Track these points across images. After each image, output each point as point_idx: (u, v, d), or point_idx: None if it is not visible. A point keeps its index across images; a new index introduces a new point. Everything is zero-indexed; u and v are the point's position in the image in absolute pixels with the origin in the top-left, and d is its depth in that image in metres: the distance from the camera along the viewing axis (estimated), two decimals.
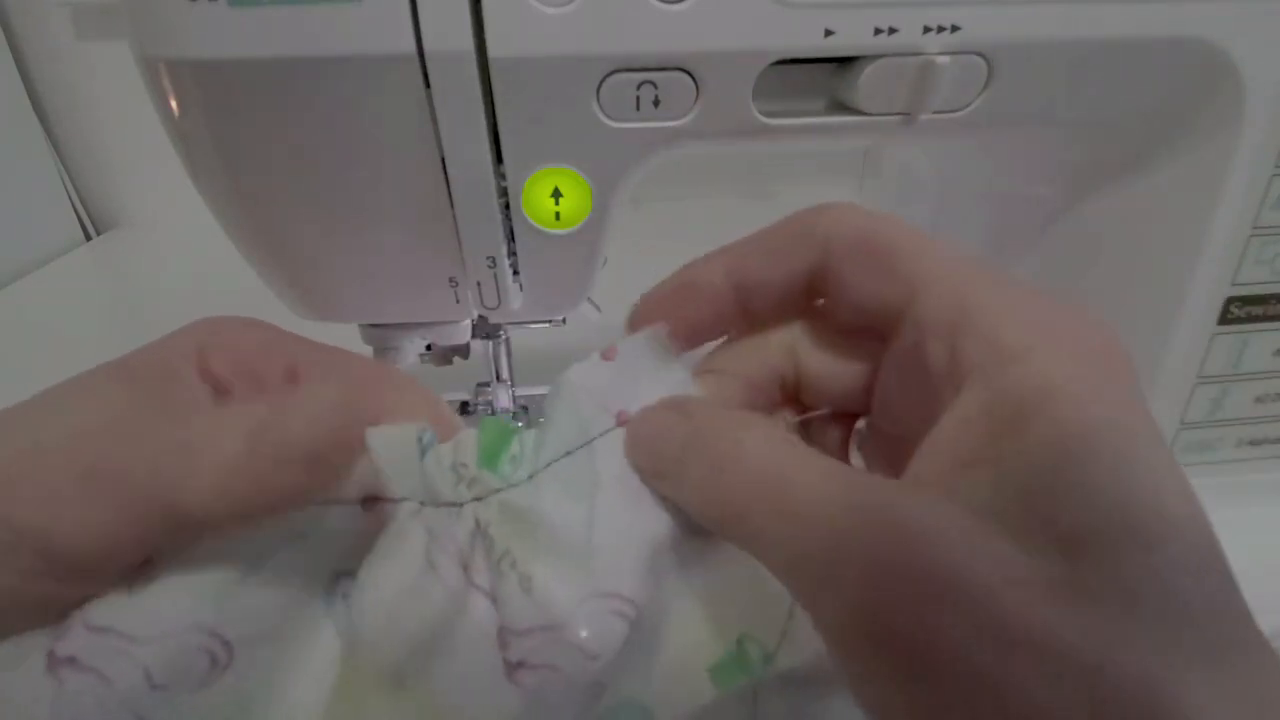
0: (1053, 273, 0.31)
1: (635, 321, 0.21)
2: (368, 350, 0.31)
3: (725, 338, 0.22)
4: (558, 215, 0.25)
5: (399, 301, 0.28)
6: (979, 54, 0.22)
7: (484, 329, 0.32)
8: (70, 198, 0.75)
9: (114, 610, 0.16)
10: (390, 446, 0.19)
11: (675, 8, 0.20)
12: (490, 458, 0.20)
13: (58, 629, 0.16)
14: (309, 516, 0.18)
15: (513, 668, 0.18)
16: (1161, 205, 0.27)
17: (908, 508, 0.14)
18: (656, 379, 0.21)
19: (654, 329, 0.21)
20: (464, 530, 0.19)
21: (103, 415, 0.17)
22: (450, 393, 0.41)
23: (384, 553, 0.18)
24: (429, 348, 0.33)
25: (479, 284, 0.26)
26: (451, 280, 0.26)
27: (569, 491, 0.19)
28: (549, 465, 0.20)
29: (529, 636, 0.18)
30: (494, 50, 0.21)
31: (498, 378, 0.36)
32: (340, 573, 0.19)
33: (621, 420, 0.20)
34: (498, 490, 0.19)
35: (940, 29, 0.22)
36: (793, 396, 0.22)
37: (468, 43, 0.20)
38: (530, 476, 0.20)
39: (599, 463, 0.20)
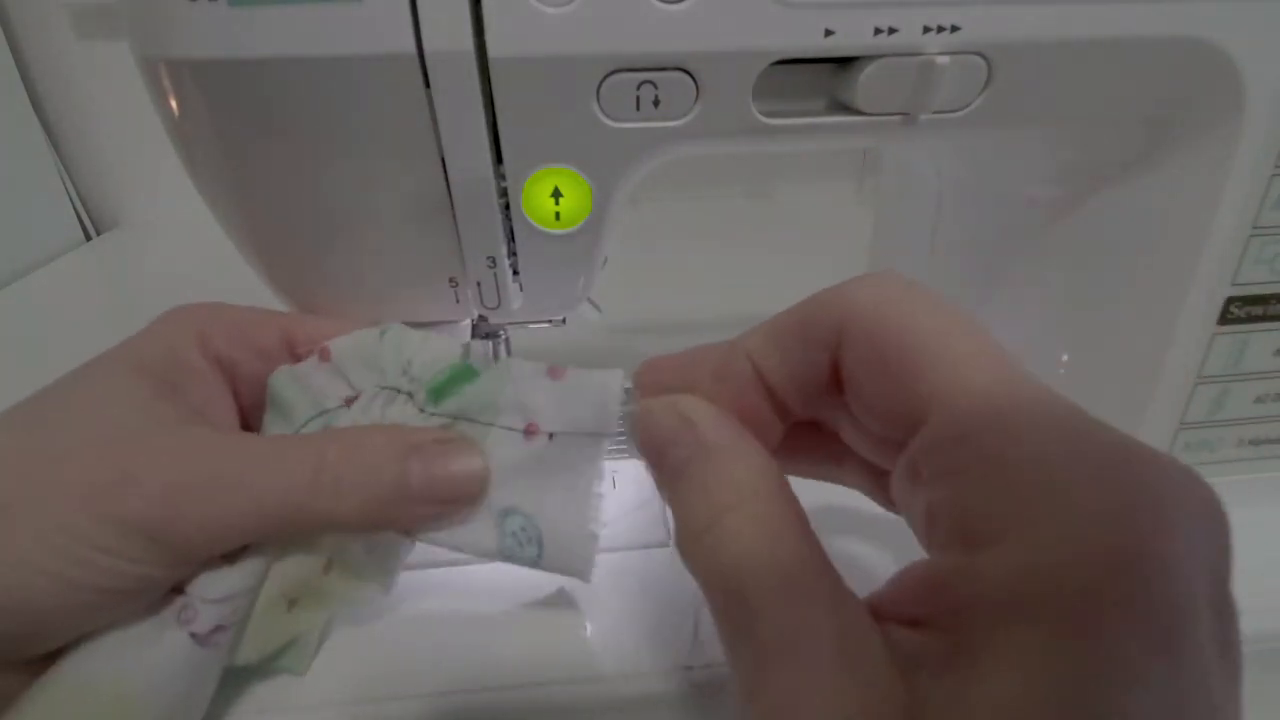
0: (1053, 273, 0.31)
1: (638, 379, 0.21)
2: None
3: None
4: (558, 215, 0.25)
5: (399, 301, 0.28)
6: (979, 54, 0.22)
7: (484, 329, 0.32)
8: (70, 198, 0.75)
9: (220, 583, 0.20)
10: (354, 347, 0.23)
11: (675, 8, 0.20)
12: (442, 389, 0.23)
13: (179, 615, 0.20)
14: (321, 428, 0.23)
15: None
16: (1161, 205, 0.27)
17: (826, 670, 0.13)
18: (587, 410, 0.23)
19: (611, 374, 0.23)
20: (381, 410, 0.24)
21: (138, 410, 0.19)
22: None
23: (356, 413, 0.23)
24: None
25: (479, 284, 0.26)
26: (451, 280, 0.26)
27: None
28: (447, 416, 0.23)
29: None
30: (494, 50, 0.21)
31: None
32: None
33: (530, 430, 0.23)
34: (412, 402, 0.24)
35: (940, 29, 0.22)
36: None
37: (468, 43, 0.20)
38: (429, 415, 0.23)
39: (488, 445, 0.23)
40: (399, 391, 0.24)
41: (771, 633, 0.13)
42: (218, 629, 0.20)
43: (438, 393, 0.24)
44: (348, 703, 0.22)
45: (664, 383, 0.20)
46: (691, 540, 0.16)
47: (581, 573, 0.23)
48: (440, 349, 0.25)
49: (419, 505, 0.20)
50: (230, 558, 0.20)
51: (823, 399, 0.18)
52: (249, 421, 0.23)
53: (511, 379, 0.23)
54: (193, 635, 0.20)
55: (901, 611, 0.14)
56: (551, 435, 0.23)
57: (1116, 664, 0.10)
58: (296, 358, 0.23)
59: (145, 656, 0.19)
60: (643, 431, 0.19)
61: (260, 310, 0.23)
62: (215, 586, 0.20)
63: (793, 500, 0.16)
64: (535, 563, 0.23)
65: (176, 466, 0.18)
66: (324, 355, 0.24)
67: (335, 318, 0.23)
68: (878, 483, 0.20)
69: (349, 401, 0.24)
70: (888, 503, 0.20)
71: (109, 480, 0.18)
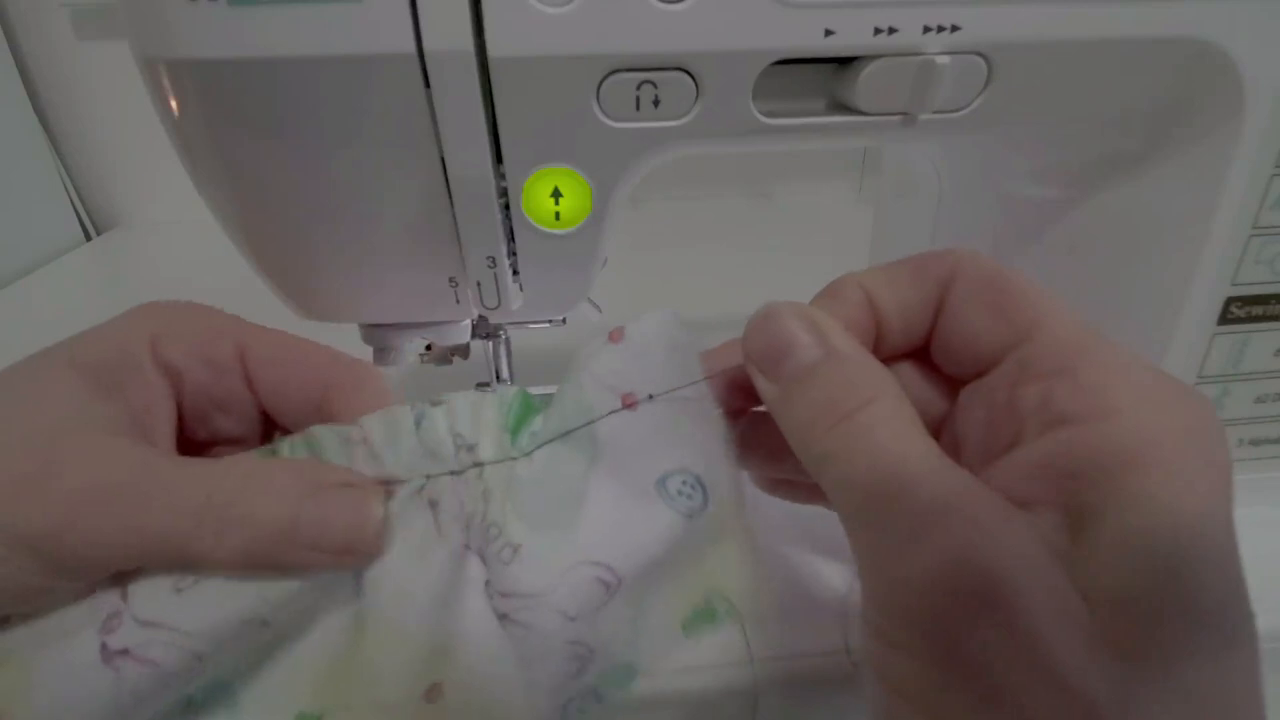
0: (1053, 273, 0.31)
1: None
2: (367, 351, 0.31)
3: None
4: (558, 215, 0.25)
5: (399, 301, 0.28)
6: (979, 54, 0.22)
7: (484, 329, 0.32)
8: (70, 198, 0.75)
9: (162, 607, 0.18)
10: (385, 429, 0.21)
11: (675, 8, 0.20)
12: (517, 426, 0.22)
13: (104, 621, 0.18)
14: None
15: (500, 617, 0.21)
16: (1161, 205, 0.27)
17: (996, 523, 0.15)
18: (666, 362, 0.22)
19: (665, 313, 0.22)
20: (467, 494, 0.21)
21: (68, 411, 0.18)
22: (450, 393, 0.41)
23: (391, 529, 0.21)
24: (429, 348, 0.33)
25: (479, 284, 0.26)
26: (451, 280, 0.26)
27: (567, 467, 0.22)
28: (546, 444, 0.22)
29: (510, 599, 0.20)
30: (494, 50, 0.21)
31: (498, 378, 0.36)
32: None
33: (627, 402, 0.21)
34: (496, 461, 0.22)
35: (940, 29, 0.22)
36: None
37: (468, 43, 0.20)
38: (529, 453, 0.22)
39: (599, 441, 0.21)
40: (457, 473, 0.22)
41: (930, 496, 0.15)
42: (125, 653, 0.18)
43: (515, 429, 0.22)
44: None
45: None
46: (834, 424, 0.17)
47: (740, 509, 0.23)
48: (482, 402, 0.23)
49: (307, 553, 0.18)
50: (181, 587, 0.18)
51: (918, 332, 0.20)
52: (188, 429, 0.21)
53: (583, 370, 0.22)
54: (103, 645, 0.18)
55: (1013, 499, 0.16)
56: (651, 396, 0.22)
57: (1225, 474, 0.15)
58: (246, 373, 0.21)
59: (53, 641, 0.18)
60: (765, 334, 0.19)
61: (221, 318, 0.22)
62: (147, 606, 0.18)
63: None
64: (702, 510, 0.22)
65: (82, 474, 0.17)
66: (366, 436, 0.21)
67: (296, 337, 0.22)
68: None
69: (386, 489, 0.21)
70: None
71: (5, 481, 0.17)
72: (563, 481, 0.21)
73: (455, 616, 0.21)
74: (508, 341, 0.34)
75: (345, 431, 0.21)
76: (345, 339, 0.31)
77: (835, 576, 0.27)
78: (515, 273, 0.27)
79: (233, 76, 0.21)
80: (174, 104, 0.21)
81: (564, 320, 0.31)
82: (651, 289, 0.54)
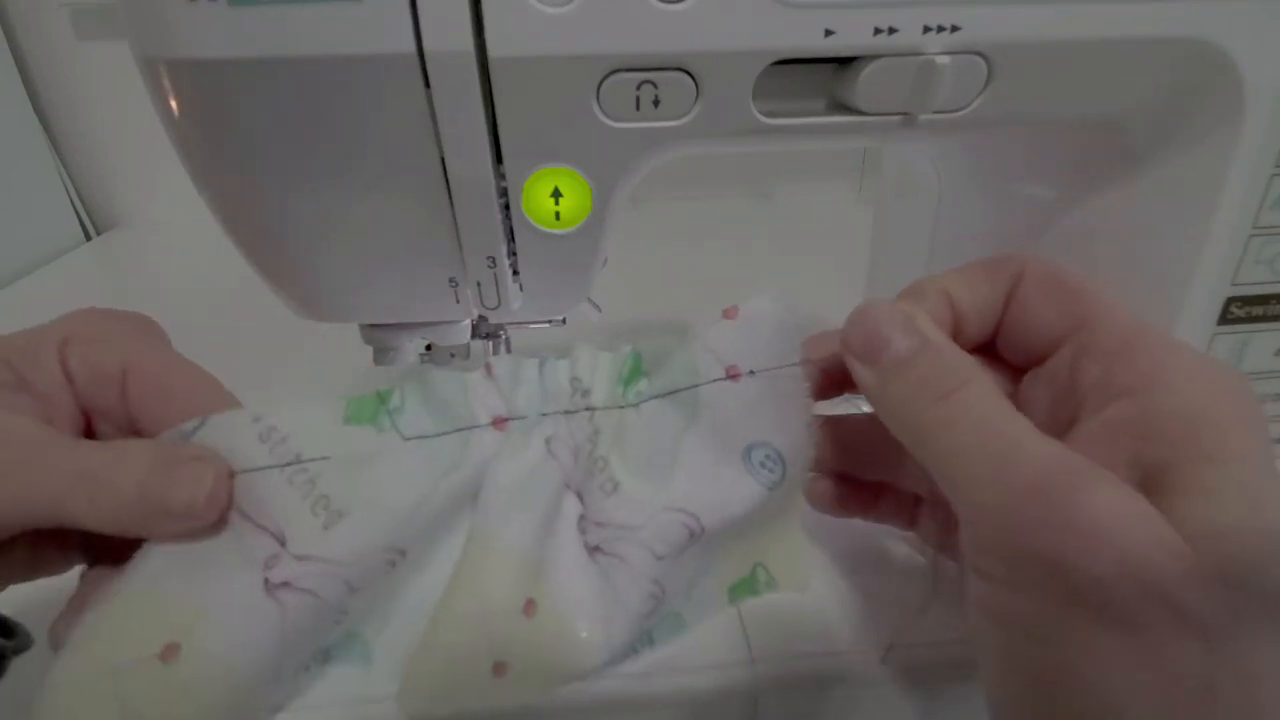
0: None
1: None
2: (367, 351, 0.31)
3: None
4: (558, 215, 0.25)
5: (399, 301, 0.28)
6: (979, 54, 0.22)
7: (484, 329, 0.32)
8: (70, 198, 0.75)
9: (313, 543, 0.21)
10: (512, 371, 0.24)
11: (675, 8, 0.20)
12: (628, 382, 0.25)
13: (265, 561, 0.21)
14: (457, 448, 0.23)
15: (591, 549, 0.24)
16: (1161, 205, 0.27)
17: (1097, 478, 0.16)
18: (771, 341, 0.24)
19: (776, 295, 0.24)
20: (579, 431, 0.24)
21: None
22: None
23: (509, 452, 0.24)
24: (429, 348, 0.33)
25: (479, 284, 0.26)
26: (451, 280, 0.26)
27: (669, 422, 0.24)
28: (655, 398, 0.24)
29: (604, 529, 0.24)
30: (494, 50, 0.21)
31: None
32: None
33: (731, 373, 0.24)
34: (607, 408, 0.25)
35: (940, 29, 0.22)
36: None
37: (468, 43, 0.20)
38: (637, 405, 0.24)
39: (700, 405, 0.24)
40: (571, 412, 0.25)
41: (1035, 458, 0.17)
42: (286, 585, 0.21)
43: (627, 383, 0.25)
44: None
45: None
46: (936, 400, 0.19)
47: (799, 491, 0.26)
48: (599, 357, 0.25)
49: (159, 517, 0.20)
50: (328, 524, 0.21)
51: (989, 326, 0.23)
52: (95, 428, 0.23)
53: (697, 339, 0.24)
54: (265, 580, 0.21)
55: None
56: (752, 371, 0.24)
57: (1267, 434, 0.17)
58: (124, 389, 0.22)
59: (216, 581, 0.21)
60: (864, 327, 0.21)
61: (123, 333, 0.23)
62: (300, 544, 0.21)
63: None
64: (779, 484, 0.24)
65: None
66: (488, 370, 0.25)
67: (187, 365, 0.23)
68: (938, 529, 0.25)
69: (498, 423, 0.24)
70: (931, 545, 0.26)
71: None
72: (663, 434, 0.24)
73: (553, 542, 0.24)
74: (508, 341, 0.35)
75: (463, 377, 0.24)
76: (346, 339, 0.31)
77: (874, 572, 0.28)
78: (515, 273, 0.27)
79: (233, 76, 0.21)
80: (174, 104, 0.21)
81: (564, 320, 0.31)
82: (651, 289, 0.54)
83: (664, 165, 0.25)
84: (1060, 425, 0.20)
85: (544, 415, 0.24)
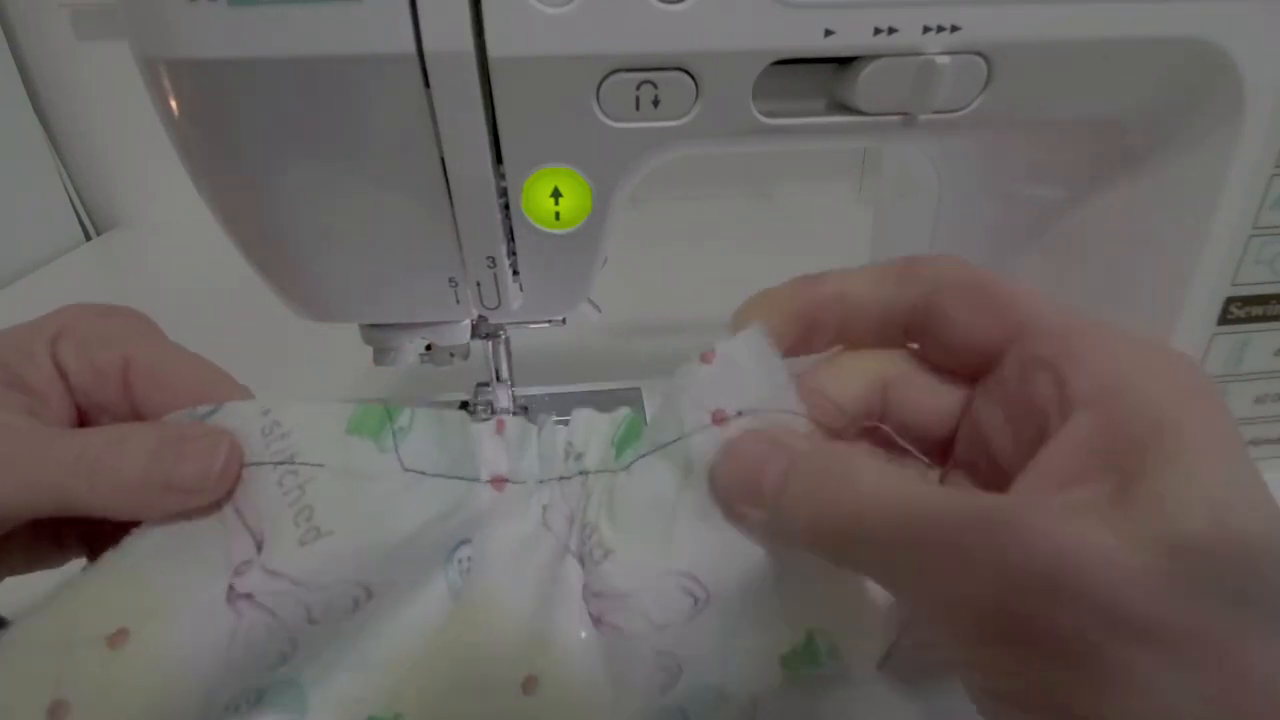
0: (1053, 273, 0.31)
1: (740, 315, 0.23)
2: (367, 351, 0.31)
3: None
4: (558, 215, 0.25)
5: (399, 301, 0.28)
6: (979, 54, 0.22)
7: (484, 329, 0.32)
8: (70, 198, 0.75)
9: (287, 558, 0.20)
10: (521, 430, 0.24)
11: (675, 8, 0.20)
12: (622, 444, 0.24)
13: (237, 566, 0.20)
14: (454, 496, 0.22)
15: (595, 621, 0.22)
16: (1161, 205, 0.27)
17: (1031, 516, 0.15)
18: (756, 379, 0.22)
19: (752, 330, 0.22)
20: (573, 497, 0.24)
21: None
22: (450, 393, 0.41)
23: (505, 516, 0.23)
24: (429, 348, 0.33)
25: (479, 284, 0.26)
26: (451, 280, 0.26)
27: (660, 481, 0.23)
28: (643, 456, 0.23)
29: (601, 599, 0.22)
30: (494, 50, 0.21)
31: (498, 378, 0.36)
32: (461, 541, 0.23)
33: (717, 419, 0.22)
34: (599, 471, 0.24)
35: (940, 29, 0.22)
36: (872, 431, 0.23)
37: (468, 43, 0.20)
38: (627, 466, 0.23)
39: (692, 456, 0.22)
40: (565, 478, 0.24)
41: (957, 519, 0.16)
42: (249, 597, 0.20)
43: (621, 446, 0.24)
44: None
45: (766, 307, 0.22)
46: (837, 493, 0.18)
47: None
48: (593, 421, 0.25)
49: (164, 493, 0.20)
50: (305, 537, 0.20)
51: (897, 330, 0.22)
52: (89, 423, 0.23)
53: (679, 389, 0.23)
54: (230, 587, 0.20)
55: (1052, 481, 0.17)
56: (740, 412, 0.22)
57: (1227, 418, 0.16)
58: (126, 383, 0.22)
59: (187, 574, 0.20)
60: (730, 471, 0.20)
61: (119, 327, 0.23)
62: (274, 557, 0.20)
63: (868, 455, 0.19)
64: None
65: None
66: (500, 427, 0.24)
67: (184, 354, 0.23)
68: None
69: (497, 483, 0.23)
70: None
71: None
72: (656, 494, 0.22)
73: (554, 612, 0.22)
74: (508, 341, 0.34)
75: (473, 426, 0.23)
76: (345, 339, 0.31)
77: None
78: (515, 273, 0.27)
79: (233, 76, 0.21)
80: (174, 104, 0.21)
81: (564, 320, 0.31)
82: (651, 289, 0.54)
83: (664, 165, 0.25)
84: (1028, 438, 0.18)
85: (541, 482, 0.24)
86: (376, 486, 0.21)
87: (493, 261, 0.25)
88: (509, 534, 0.23)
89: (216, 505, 0.21)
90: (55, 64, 0.72)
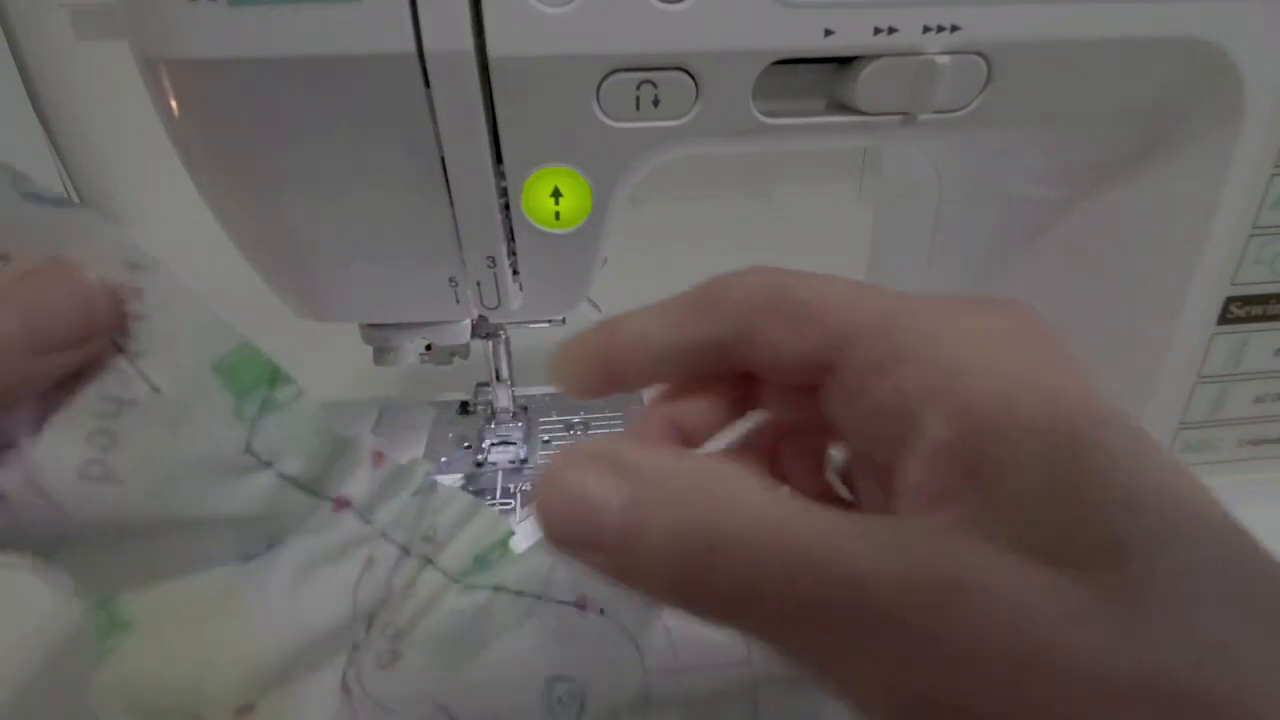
0: (1053, 273, 0.31)
1: (550, 371, 0.20)
2: (367, 351, 0.31)
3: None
4: (558, 215, 0.25)
5: (399, 301, 0.28)
6: (979, 54, 0.22)
7: (484, 329, 0.32)
8: (70, 197, 0.75)
9: (60, 479, 0.17)
10: (397, 477, 0.22)
11: (675, 8, 0.20)
12: (483, 557, 0.22)
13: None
14: (280, 499, 0.20)
15: (344, 701, 0.21)
16: (1161, 205, 0.27)
17: (986, 578, 0.13)
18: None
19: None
20: (400, 576, 0.22)
21: None
22: (450, 393, 0.41)
23: (325, 530, 0.21)
24: (429, 348, 0.33)
25: (479, 284, 0.26)
26: (451, 280, 0.26)
27: (491, 616, 0.22)
28: (482, 589, 0.22)
29: (364, 703, 0.21)
30: (494, 50, 0.21)
31: (497, 378, 0.36)
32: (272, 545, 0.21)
33: (580, 603, 0.22)
34: (436, 568, 0.22)
35: (940, 29, 0.22)
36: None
37: (468, 43, 0.20)
38: (464, 581, 0.22)
39: (535, 616, 0.22)
40: (414, 556, 0.22)
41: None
42: (2, 498, 0.17)
43: (482, 561, 0.22)
44: None
45: (578, 355, 0.20)
46: (713, 526, 0.14)
47: None
48: (475, 514, 0.23)
49: (34, 358, 0.17)
50: (87, 475, 0.17)
51: (710, 360, 0.19)
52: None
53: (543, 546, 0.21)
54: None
55: (923, 497, 0.15)
56: (603, 610, 0.22)
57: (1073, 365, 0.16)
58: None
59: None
60: (560, 508, 0.16)
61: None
62: (48, 477, 0.17)
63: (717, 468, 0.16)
64: None
65: None
66: (379, 459, 0.22)
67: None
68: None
69: (338, 504, 0.21)
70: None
71: None
72: (478, 626, 0.21)
73: (313, 664, 0.21)
74: (507, 341, 0.35)
75: (354, 441, 0.21)
76: (345, 339, 0.31)
77: None
78: (515, 273, 0.27)
79: (233, 76, 0.21)
80: (174, 104, 0.21)
81: (564, 320, 0.31)
82: (651, 289, 0.54)
83: (664, 165, 0.25)
84: (890, 447, 0.16)
85: (383, 536, 0.22)
86: (194, 449, 0.18)
87: (493, 261, 0.25)
88: (316, 547, 0.21)
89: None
90: (55, 64, 0.72)
